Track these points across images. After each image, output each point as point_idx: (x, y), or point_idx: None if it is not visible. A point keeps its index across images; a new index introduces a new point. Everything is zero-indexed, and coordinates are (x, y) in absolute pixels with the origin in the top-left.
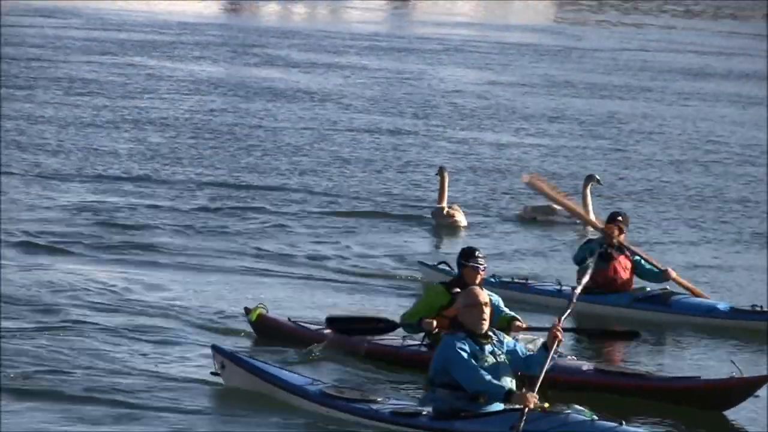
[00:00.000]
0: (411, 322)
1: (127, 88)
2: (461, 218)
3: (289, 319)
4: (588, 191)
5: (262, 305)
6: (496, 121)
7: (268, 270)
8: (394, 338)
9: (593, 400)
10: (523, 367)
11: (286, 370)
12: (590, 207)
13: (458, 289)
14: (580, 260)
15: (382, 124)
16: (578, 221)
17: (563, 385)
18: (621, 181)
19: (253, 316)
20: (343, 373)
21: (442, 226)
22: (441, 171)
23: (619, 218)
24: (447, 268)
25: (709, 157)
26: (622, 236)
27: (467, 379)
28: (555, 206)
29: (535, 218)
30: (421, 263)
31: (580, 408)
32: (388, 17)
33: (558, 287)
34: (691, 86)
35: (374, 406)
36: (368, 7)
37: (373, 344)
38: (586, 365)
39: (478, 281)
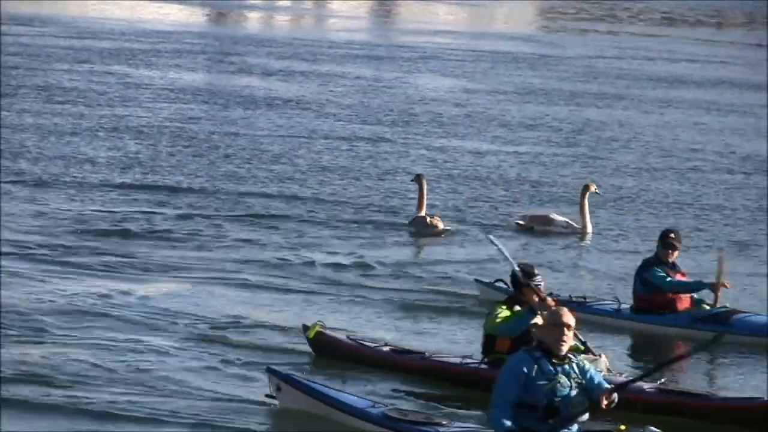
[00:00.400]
0: (517, 326)
1: (107, 96)
2: (442, 227)
3: (347, 337)
4: (586, 200)
5: (320, 323)
6: (474, 128)
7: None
8: (452, 356)
9: (655, 421)
10: (595, 392)
11: (344, 392)
12: (587, 216)
13: (518, 307)
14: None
15: (361, 132)
16: (577, 230)
17: (626, 405)
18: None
19: (311, 334)
20: (400, 392)
21: (424, 235)
22: (418, 178)
23: (671, 235)
24: (504, 286)
25: (685, 165)
26: (676, 254)
27: (498, 391)
28: (552, 216)
29: (533, 228)
30: (478, 281)
31: (655, 430)
32: (370, 25)
33: (617, 307)
34: (667, 94)
35: (440, 429)
36: (351, 15)
37: (430, 362)
38: (648, 385)
39: (536, 299)
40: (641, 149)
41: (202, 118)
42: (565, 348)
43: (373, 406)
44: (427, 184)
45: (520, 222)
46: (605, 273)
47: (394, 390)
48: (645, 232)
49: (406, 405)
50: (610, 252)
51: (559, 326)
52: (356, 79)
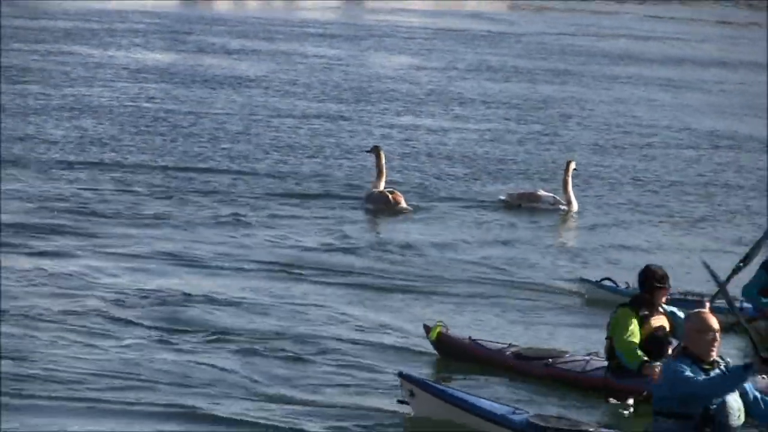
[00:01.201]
0: (632, 366)
1: (70, 75)
2: (404, 205)
3: (469, 338)
4: (569, 177)
5: (441, 323)
6: (432, 106)
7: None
8: (576, 361)
9: None
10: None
11: (483, 397)
12: (571, 193)
13: (646, 311)
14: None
15: (322, 110)
16: (562, 207)
17: None
18: (554, 164)
19: (433, 335)
20: (525, 396)
21: (382, 212)
22: (376, 149)
23: None
24: (611, 284)
25: (643, 141)
26: None
27: (702, 387)
28: (539, 193)
29: (520, 205)
30: (583, 280)
31: None
32: (339, 8)
33: (739, 305)
34: (625, 71)
35: None
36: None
37: (555, 368)
38: None
39: (664, 301)
40: (597, 125)
41: (162, 97)
42: (714, 353)
43: (515, 412)
44: (385, 156)
45: (505, 198)
46: (607, 252)
47: (518, 393)
48: (608, 207)
49: (533, 409)
50: (601, 228)
51: (708, 331)
52: (316, 57)
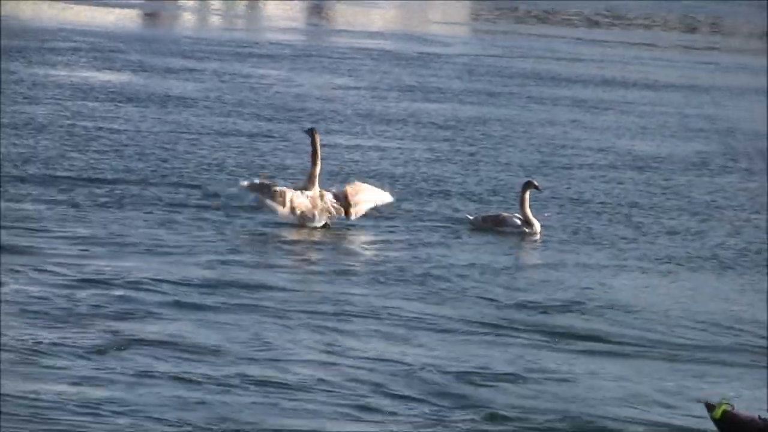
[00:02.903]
0: None
1: (5, 93)
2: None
3: (759, 417)
4: (527, 196)
5: (725, 400)
6: (357, 125)
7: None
8: None
9: None
10: None
11: None
12: (528, 212)
13: None
14: None
15: (254, 128)
16: (527, 230)
17: None
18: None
19: (717, 413)
20: None
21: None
22: (312, 132)
23: None
24: None
25: (572, 161)
26: None
27: None
28: (505, 215)
29: (486, 228)
30: None
31: None
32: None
33: None
34: (554, 92)
35: None
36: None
37: None
38: None
39: None
40: (525, 145)
41: (98, 115)
42: None
43: None
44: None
45: (471, 219)
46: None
47: None
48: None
49: None
50: (568, 251)
51: None
52: (250, 77)
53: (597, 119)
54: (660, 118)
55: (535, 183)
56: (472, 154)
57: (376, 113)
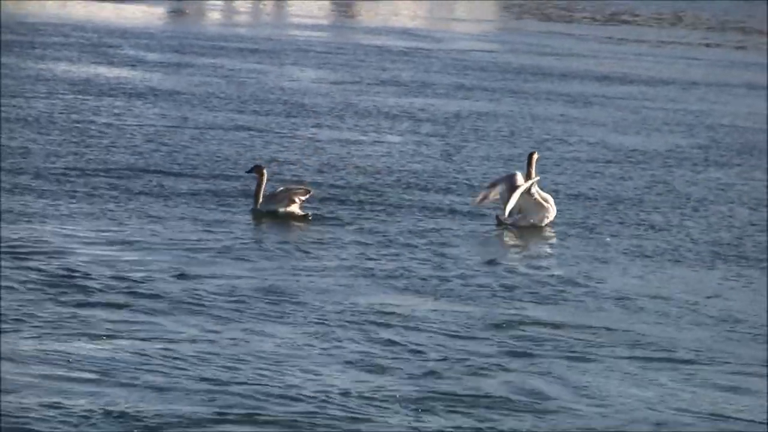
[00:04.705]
0: None
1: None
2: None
3: None
4: (533, 169)
5: None
6: (348, 119)
7: None
8: None
9: None
10: None
11: None
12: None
13: None
14: None
15: (239, 121)
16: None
17: None
18: (473, 176)
19: None
20: None
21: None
22: (259, 170)
23: None
24: None
25: (555, 155)
26: None
27: None
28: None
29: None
30: None
31: None
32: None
33: None
34: (542, 87)
35: None
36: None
37: None
38: None
39: None
40: (514, 139)
41: (83, 108)
42: None
43: None
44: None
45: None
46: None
47: None
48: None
49: None
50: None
51: None
52: (233, 70)
53: (587, 113)
54: (649, 113)
55: (537, 154)
56: (460, 148)
57: (363, 106)
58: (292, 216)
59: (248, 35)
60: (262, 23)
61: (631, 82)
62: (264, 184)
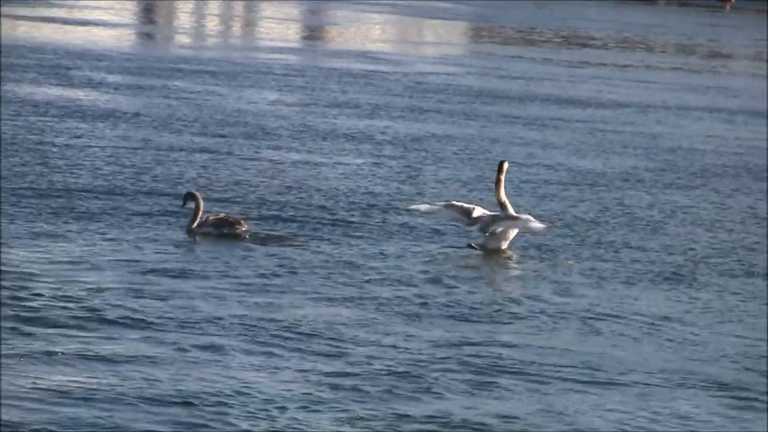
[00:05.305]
0: None
1: None
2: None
3: None
4: (503, 177)
5: None
6: (301, 141)
7: None
8: None
9: None
10: None
11: None
12: (503, 193)
13: None
14: None
15: (195, 143)
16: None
17: None
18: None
19: None
20: None
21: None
22: (194, 197)
23: None
24: None
25: (520, 177)
26: None
27: None
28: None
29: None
30: None
31: None
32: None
33: None
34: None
35: None
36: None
37: None
38: None
39: None
40: (472, 162)
41: (52, 130)
42: None
43: None
44: (203, 202)
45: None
46: None
47: None
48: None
49: None
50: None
51: None
52: (190, 93)
53: (545, 136)
54: (606, 136)
55: (507, 164)
56: (415, 169)
57: (319, 128)
58: (237, 237)
59: (210, 57)
60: (224, 45)
61: (589, 105)
62: (201, 209)
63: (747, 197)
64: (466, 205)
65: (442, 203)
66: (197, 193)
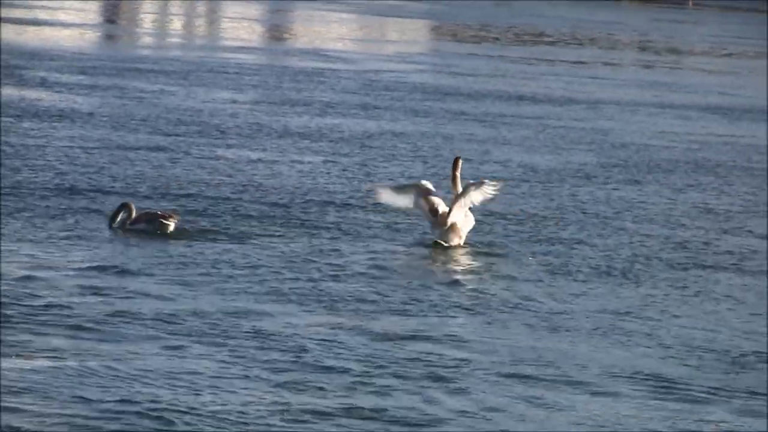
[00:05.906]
0: None
1: None
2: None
3: None
4: (458, 173)
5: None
6: (255, 139)
7: None
8: None
9: None
10: None
11: None
12: (459, 187)
13: None
14: None
15: (150, 142)
16: None
17: None
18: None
19: None
20: None
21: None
22: (127, 207)
23: None
24: None
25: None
26: None
27: None
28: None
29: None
30: None
31: None
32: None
33: None
34: (459, 107)
35: None
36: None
37: None
38: None
39: None
40: (425, 158)
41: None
42: None
43: None
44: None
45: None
46: None
47: None
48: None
49: None
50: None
51: None
52: (145, 92)
53: (497, 133)
54: (558, 132)
55: (461, 161)
56: (369, 166)
57: (272, 127)
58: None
59: (168, 57)
60: (183, 45)
61: (540, 102)
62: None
63: (699, 192)
64: (434, 197)
65: (413, 182)
66: (131, 203)
